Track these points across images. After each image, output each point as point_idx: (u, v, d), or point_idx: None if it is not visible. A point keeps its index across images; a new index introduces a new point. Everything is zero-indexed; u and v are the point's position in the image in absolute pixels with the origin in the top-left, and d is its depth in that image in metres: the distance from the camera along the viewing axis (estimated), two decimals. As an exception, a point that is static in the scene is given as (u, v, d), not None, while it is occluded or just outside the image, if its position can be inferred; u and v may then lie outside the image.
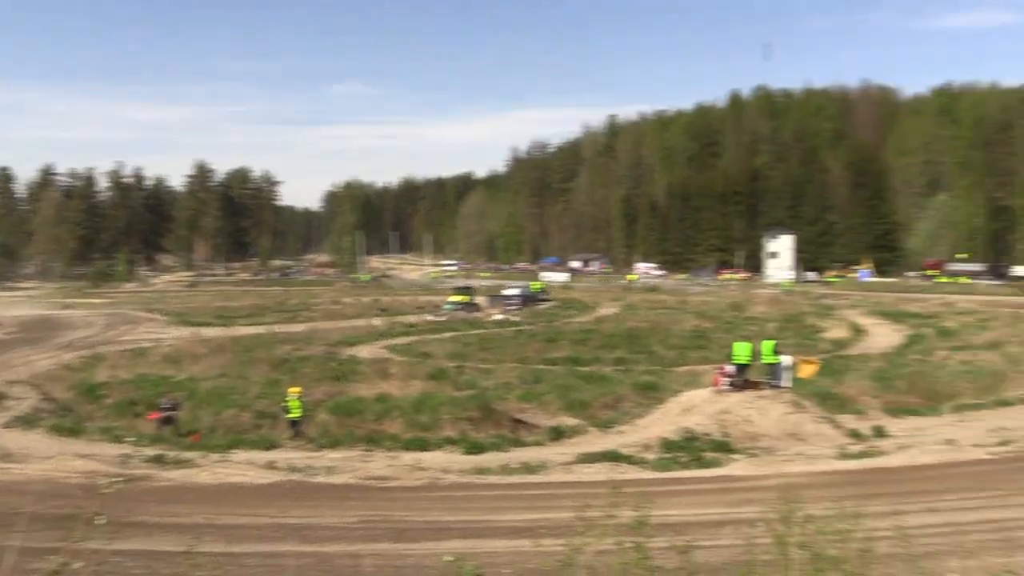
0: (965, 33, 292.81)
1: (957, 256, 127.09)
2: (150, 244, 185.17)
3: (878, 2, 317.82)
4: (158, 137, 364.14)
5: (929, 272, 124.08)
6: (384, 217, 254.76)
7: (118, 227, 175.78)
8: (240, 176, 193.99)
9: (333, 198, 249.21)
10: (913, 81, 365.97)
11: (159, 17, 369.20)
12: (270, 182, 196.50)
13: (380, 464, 24.92)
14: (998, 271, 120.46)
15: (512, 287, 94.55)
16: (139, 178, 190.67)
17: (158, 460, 25.08)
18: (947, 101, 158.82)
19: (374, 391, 34.22)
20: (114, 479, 20.84)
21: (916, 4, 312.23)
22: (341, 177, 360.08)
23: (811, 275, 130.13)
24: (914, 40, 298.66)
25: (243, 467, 24.66)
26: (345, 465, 24.91)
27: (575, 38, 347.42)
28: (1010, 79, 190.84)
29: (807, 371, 33.01)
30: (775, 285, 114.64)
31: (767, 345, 32.14)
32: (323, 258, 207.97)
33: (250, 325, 67.11)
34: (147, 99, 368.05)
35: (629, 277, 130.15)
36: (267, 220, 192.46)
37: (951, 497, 20.82)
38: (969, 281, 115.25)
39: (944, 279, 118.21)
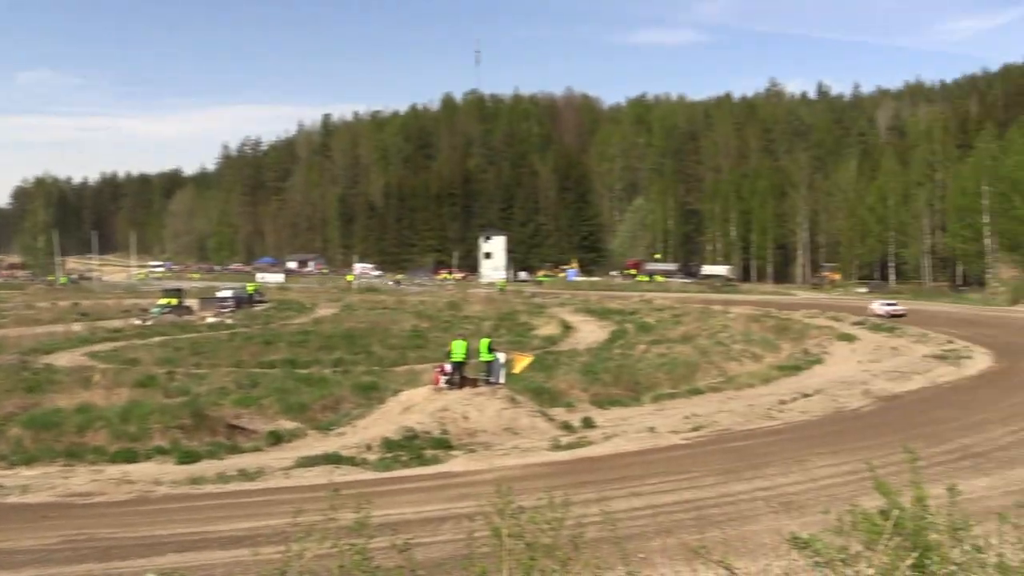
0: (657, 49, 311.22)
1: (654, 256, 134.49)
2: None
3: (582, 15, 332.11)
4: None
5: (629, 271, 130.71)
6: (83, 215, 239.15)
7: None
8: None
9: (23, 194, 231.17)
10: (613, 91, 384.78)
11: None
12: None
13: (83, 479, 23.43)
14: (689, 270, 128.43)
15: (226, 289, 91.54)
16: None
17: None
18: (642, 111, 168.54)
19: (75, 401, 32.00)
20: None
21: (614, 19, 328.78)
22: (32, 171, 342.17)
23: (523, 275, 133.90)
24: (613, 53, 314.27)
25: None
26: (42, 483, 23.23)
27: (290, 34, 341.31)
28: (696, 94, 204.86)
29: (521, 364, 33.90)
30: (490, 285, 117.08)
31: (483, 343, 32.78)
32: (14, 259, 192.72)
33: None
34: None
35: (348, 277, 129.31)
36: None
37: (652, 481, 22.04)
38: (664, 280, 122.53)
39: (643, 278, 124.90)
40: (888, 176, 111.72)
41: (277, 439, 28.00)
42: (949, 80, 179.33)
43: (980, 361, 45.31)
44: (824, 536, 5.26)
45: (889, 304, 72.75)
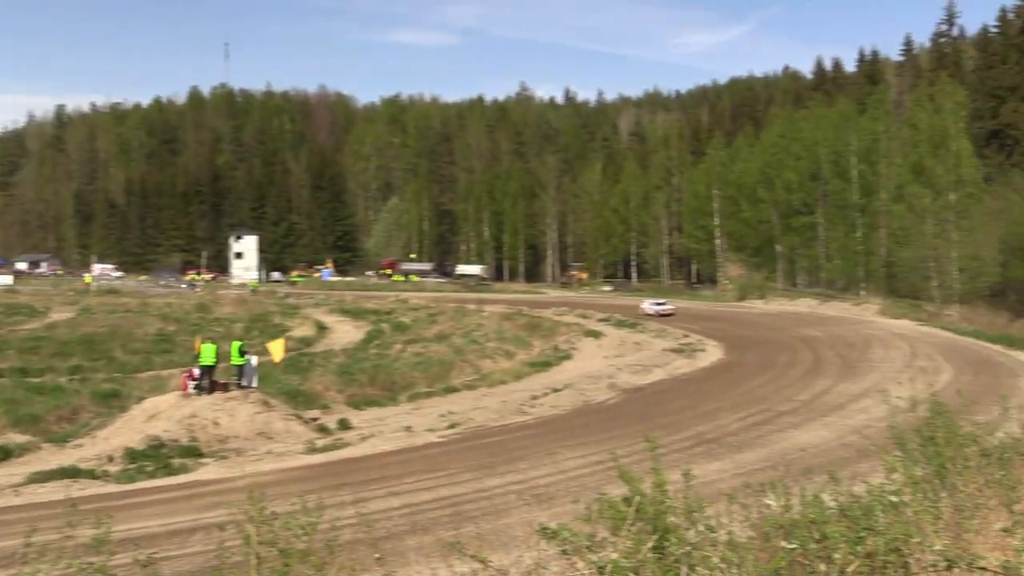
0: (411, 50, 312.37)
1: (409, 256, 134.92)
2: None
3: (335, 12, 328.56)
4: None
5: (385, 271, 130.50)
6: None
7: None
8: None
9: None
10: (367, 90, 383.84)
11: None
12: None
13: None
14: (444, 270, 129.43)
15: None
16: None
17: None
18: (396, 111, 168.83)
19: None
20: None
21: (368, 17, 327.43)
22: None
23: (276, 275, 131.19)
24: (367, 51, 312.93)
25: None
26: None
27: (17, 14, 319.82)
28: (450, 95, 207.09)
29: (277, 350, 33.20)
30: (241, 285, 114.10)
31: (234, 346, 31.92)
32: None
33: None
34: None
35: (86, 279, 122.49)
36: None
37: (409, 480, 22.12)
38: (419, 279, 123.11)
39: (398, 278, 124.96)
40: (630, 180, 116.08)
41: (6, 454, 26.06)
42: (683, 91, 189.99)
43: (712, 353, 48.10)
44: (572, 525, 5.44)
45: (659, 304, 73.86)
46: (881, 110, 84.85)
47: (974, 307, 64.06)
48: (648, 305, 73.58)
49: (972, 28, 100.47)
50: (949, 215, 68.29)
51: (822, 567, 4.74)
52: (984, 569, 3.99)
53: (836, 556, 4.75)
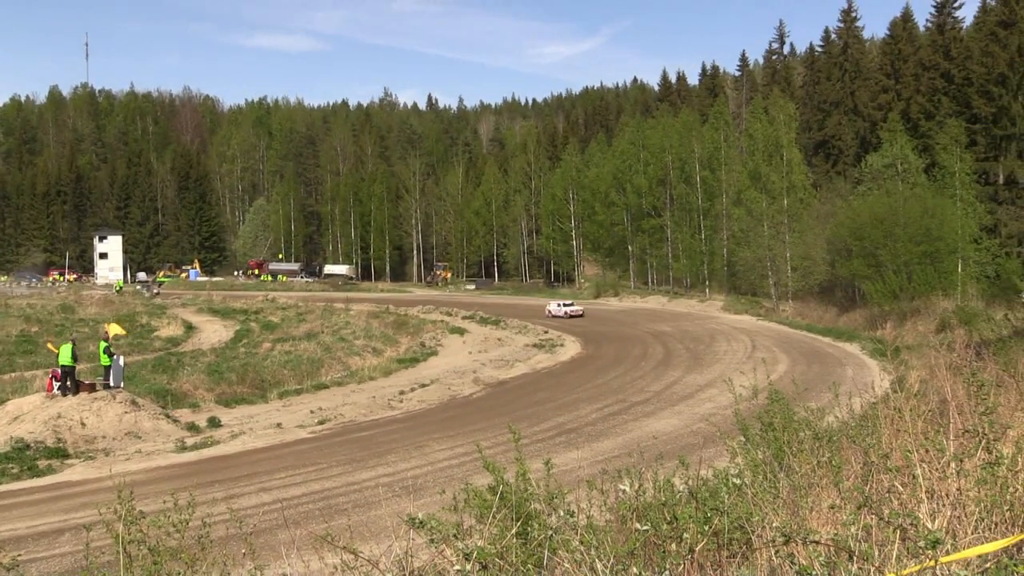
0: (276, 54, 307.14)
1: (277, 256, 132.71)
2: None
3: (198, 13, 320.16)
4: None
5: (253, 271, 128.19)
6: None
7: None
8: None
9: None
10: (232, 93, 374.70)
11: None
12: None
13: None
14: (311, 270, 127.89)
15: None
16: None
17: None
18: (262, 114, 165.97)
19: None
20: None
21: (232, 21, 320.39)
22: None
23: (142, 275, 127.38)
24: (232, 54, 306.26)
25: None
26: None
27: None
28: (315, 99, 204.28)
29: (115, 330, 32.11)
30: (107, 286, 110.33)
31: (100, 346, 30.92)
32: None
33: None
34: None
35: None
36: None
37: (281, 475, 21.83)
38: (287, 279, 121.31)
39: (266, 278, 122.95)
40: (490, 183, 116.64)
41: None
42: (540, 99, 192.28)
43: (571, 348, 48.84)
44: (440, 515, 5.46)
45: (567, 304, 71.70)
46: (721, 121, 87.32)
47: (806, 303, 66.46)
48: (555, 307, 71.22)
49: (801, 47, 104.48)
50: (783, 218, 70.68)
51: (673, 547, 4.88)
52: (817, 542, 4.18)
53: (686, 536, 4.89)
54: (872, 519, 4.52)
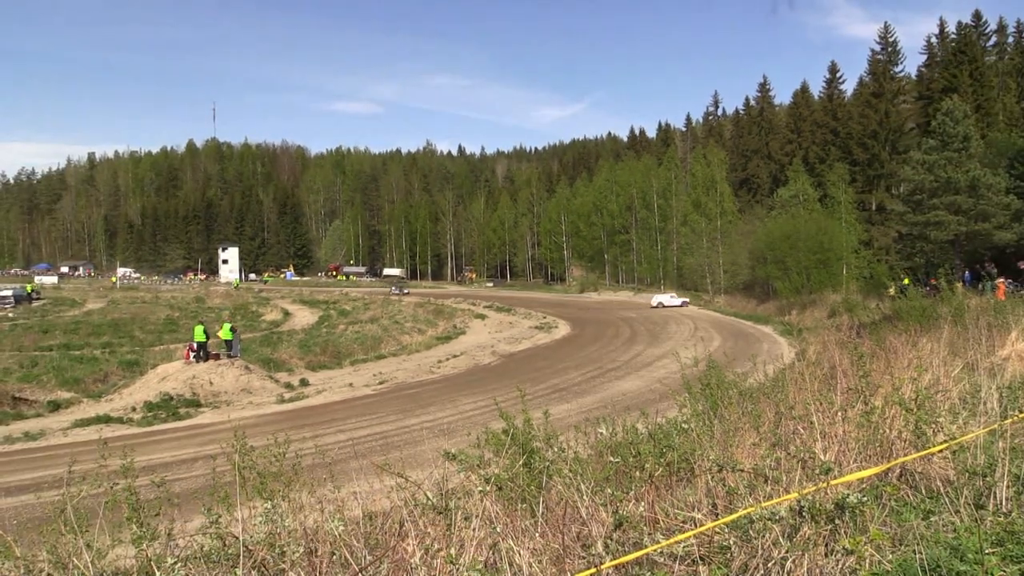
0: (348, 115, 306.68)
1: (349, 261, 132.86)
2: None
3: (294, 87, 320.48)
4: None
5: (331, 272, 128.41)
6: None
7: None
8: None
9: None
10: (317, 143, 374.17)
11: None
12: None
13: None
14: (374, 272, 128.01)
15: (6, 289, 79.60)
16: None
17: None
18: (339, 159, 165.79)
19: None
20: None
21: (318, 92, 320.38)
22: None
23: (252, 276, 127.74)
24: (317, 116, 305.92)
25: None
26: None
27: (58, 85, 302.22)
28: (376, 148, 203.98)
29: (224, 332, 32.14)
30: (227, 283, 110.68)
31: (225, 327, 31.04)
32: None
33: None
34: None
35: (112, 279, 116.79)
36: None
37: (352, 421, 21.88)
38: (356, 278, 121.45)
39: (341, 277, 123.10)
40: (504, 209, 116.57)
41: (56, 407, 24.90)
42: (540, 147, 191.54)
43: (562, 329, 48.79)
44: (468, 450, 5.48)
45: (672, 297, 65.00)
46: (672, 163, 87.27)
47: (734, 296, 66.30)
48: (666, 298, 63.97)
49: (730, 109, 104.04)
50: (716, 235, 70.66)
51: (637, 473, 4.89)
52: (742, 470, 4.18)
53: (647, 466, 4.90)
54: (782, 453, 4.53)
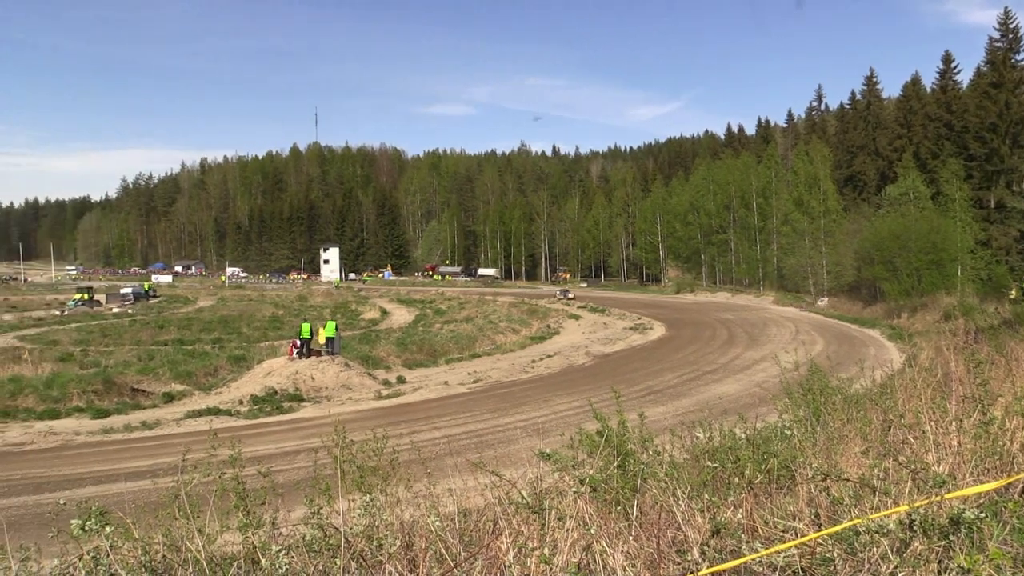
0: (445, 118, 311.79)
1: (445, 262, 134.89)
2: None
3: (393, 92, 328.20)
4: None
5: (428, 272, 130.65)
6: (11, 231, 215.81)
7: None
8: None
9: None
10: (414, 145, 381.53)
11: None
12: None
13: (16, 433, 21.34)
14: (469, 272, 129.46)
15: (126, 286, 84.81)
16: None
17: None
18: (435, 160, 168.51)
19: (7, 373, 29.09)
20: None
21: (415, 96, 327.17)
22: None
23: (352, 275, 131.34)
24: (414, 119, 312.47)
25: None
26: (-18, 437, 21.01)
27: (173, 96, 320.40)
28: (471, 149, 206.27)
29: (330, 328, 33.07)
30: (328, 283, 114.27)
31: (329, 324, 32.07)
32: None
33: None
34: None
35: (221, 278, 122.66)
36: None
37: (447, 419, 22.19)
38: (451, 278, 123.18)
39: (437, 277, 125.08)
40: (598, 209, 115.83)
41: (170, 398, 26.36)
42: (635, 146, 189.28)
43: (657, 331, 48.09)
44: (562, 450, 5.47)
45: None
46: (772, 161, 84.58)
47: (838, 298, 63.80)
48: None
49: (833, 104, 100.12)
50: (820, 234, 68.14)
51: (736, 479, 4.76)
52: (847, 480, 4.01)
53: (747, 472, 4.76)
54: (890, 463, 4.31)
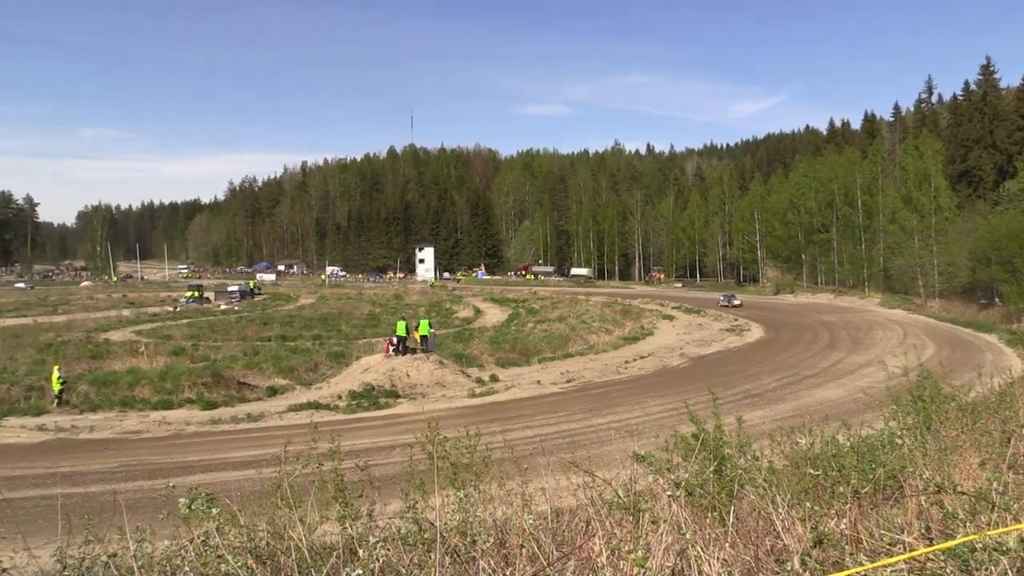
0: (538, 118, 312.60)
1: (537, 261, 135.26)
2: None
3: (487, 93, 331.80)
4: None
5: (520, 272, 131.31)
6: (128, 231, 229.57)
7: None
8: (3, 198, 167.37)
9: (85, 216, 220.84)
10: (508, 146, 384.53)
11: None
12: (31, 203, 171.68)
13: (133, 421, 22.73)
14: (562, 271, 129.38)
15: (233, 285, 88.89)
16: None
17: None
18: (528, 160, 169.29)
19: (126, 365, 30.98)
20: None
21: (509, 97, 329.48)
22: (91, 200, 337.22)
23: (446, 275, 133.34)
24: (508, 119, 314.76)
25: (16, 430, 21.62)
26: (104, 424, 22.47)
27: (271, 100, 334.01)
28: (565, 149, 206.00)
29: (424, 327, 33.46)
30: (423, 282, 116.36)
31: (423, 323, 32.66)
32: (79, 263, 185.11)
33: (16, 317, 57.99)
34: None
35: (321, 277, 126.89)
36: (28, 233, 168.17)
37: (539, 418, 22.23)
38: (544, 278, 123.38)
39: (530, 277, 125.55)
40: (694, 208, 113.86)
41: (273, 392, 27.47)
42: (732, 143, 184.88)
43: (755, 333, 46.78)
44: (656, 452, 5.38)
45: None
46: (878, 156, 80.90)
47: (951, 300, 60.51)
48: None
49: (945, 95, 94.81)
50: (931, 233, 64.62)
51: (840, 488, 4.57)
52: (962, 493, 3.78)
53: (852, 481, 4.56)
54: (1011, 477, 4.05)
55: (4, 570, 3.68)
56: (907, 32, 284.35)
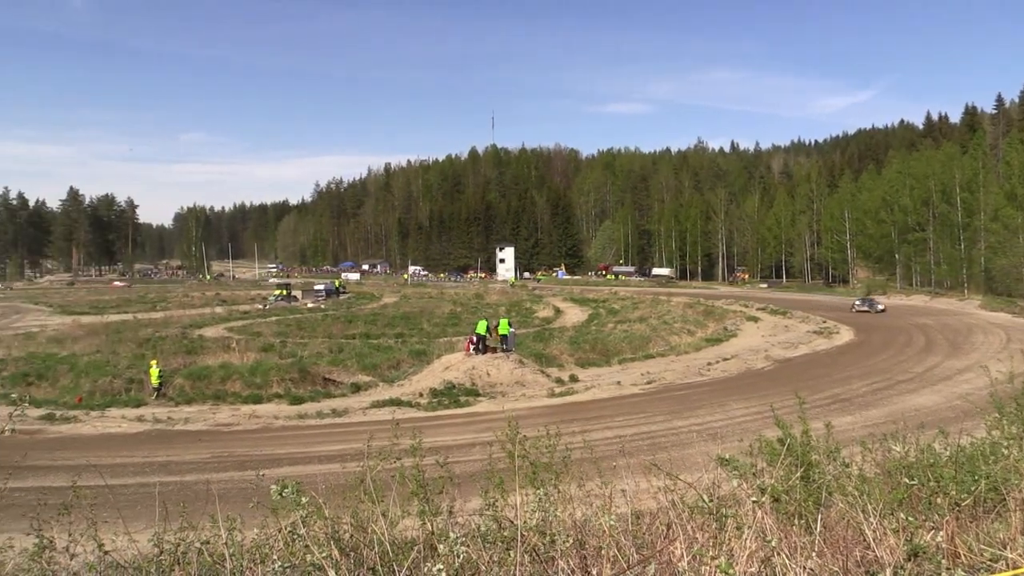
0: (619, 116, 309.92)
1: (618, 261, 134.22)
2: (34, 252, 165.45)
3: (567, 93, 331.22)
4: (35, 169, 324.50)
5: (601, 272, 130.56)
6: (222, 232, 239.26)
7: (6, 239, 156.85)
8: (107, 201, 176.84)
9: (180, 218, 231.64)
10: (588, 145, 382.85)
11: (44, 78, 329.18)
12: (131, 205, 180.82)
13: (225, 415, 23.68)
14: (643, 271, 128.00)
15: (320, 283, 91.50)
16: (23, 200, 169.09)
17: (48, 418, 22.74)
18: (609, 160, 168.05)
19: (218, 360, 32.33)
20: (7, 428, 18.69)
21: (590, 96, 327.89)
22: (187, 202, 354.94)
23: (526, 274, 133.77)
24: (589, 118, 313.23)
25: (118, 420, 22.81)
26: (198, 416, 23.50)
27: (357, 104, 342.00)
28: (646, 147, 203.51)
29: (503, 326, 33.54)
30: (503, 281, 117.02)
31: (503, 322, 32.86)
32: (176, 263, 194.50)
33: (118, 314, 61.34)
34: (29, 139, 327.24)
35: (403, 276, 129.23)
36: (129, 234, 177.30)
37: (619, 419, 22.07)
38: (625, 278, 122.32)
39: (610, 276, 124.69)
40: (780, 206, 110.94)
41: (357, 388, 28.15)
42: (821, 139, 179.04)
43: (845, 335, 45.14)
44: (740, 457, 5.26)
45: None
46: (979, 151, 76.86)
47: (1061, 303, 56.96)
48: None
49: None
50: (1039, 231, 61.03)
51: (938, 499, 4.36)
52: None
53: (951, 492, 4.35)
54: None
55: (106, 552, 3.89)
56: (1010, 20, 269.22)
